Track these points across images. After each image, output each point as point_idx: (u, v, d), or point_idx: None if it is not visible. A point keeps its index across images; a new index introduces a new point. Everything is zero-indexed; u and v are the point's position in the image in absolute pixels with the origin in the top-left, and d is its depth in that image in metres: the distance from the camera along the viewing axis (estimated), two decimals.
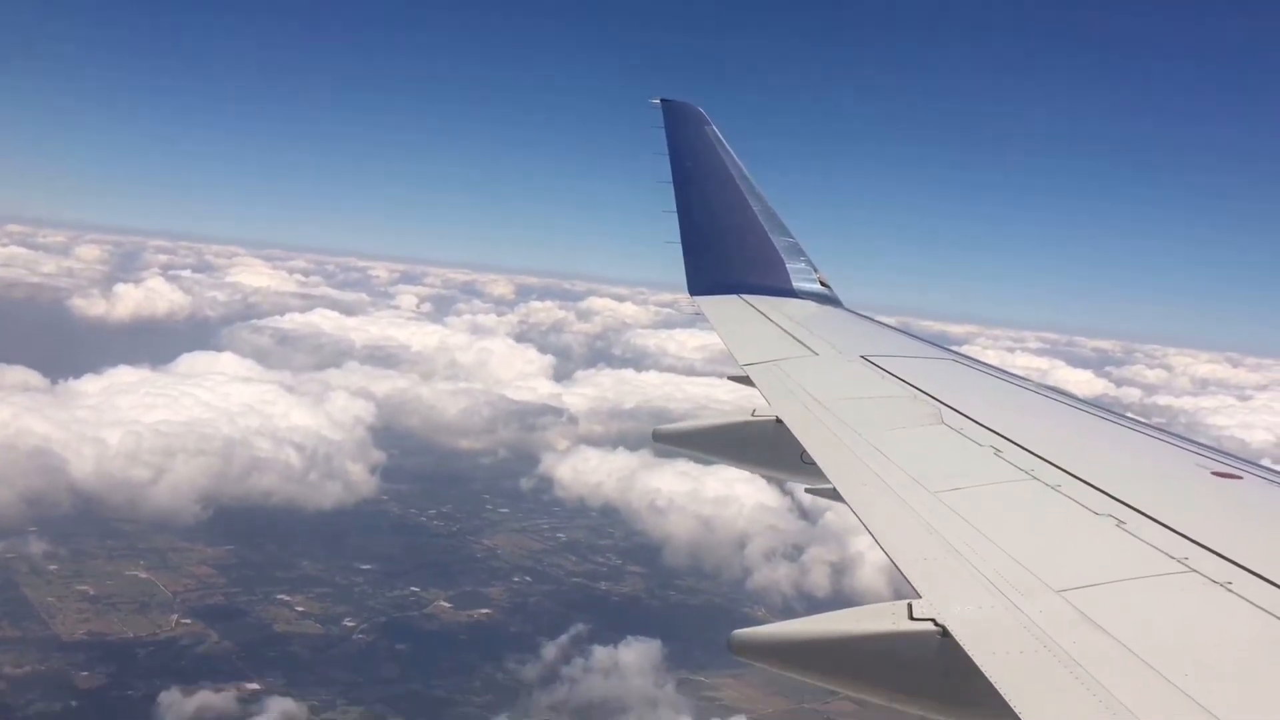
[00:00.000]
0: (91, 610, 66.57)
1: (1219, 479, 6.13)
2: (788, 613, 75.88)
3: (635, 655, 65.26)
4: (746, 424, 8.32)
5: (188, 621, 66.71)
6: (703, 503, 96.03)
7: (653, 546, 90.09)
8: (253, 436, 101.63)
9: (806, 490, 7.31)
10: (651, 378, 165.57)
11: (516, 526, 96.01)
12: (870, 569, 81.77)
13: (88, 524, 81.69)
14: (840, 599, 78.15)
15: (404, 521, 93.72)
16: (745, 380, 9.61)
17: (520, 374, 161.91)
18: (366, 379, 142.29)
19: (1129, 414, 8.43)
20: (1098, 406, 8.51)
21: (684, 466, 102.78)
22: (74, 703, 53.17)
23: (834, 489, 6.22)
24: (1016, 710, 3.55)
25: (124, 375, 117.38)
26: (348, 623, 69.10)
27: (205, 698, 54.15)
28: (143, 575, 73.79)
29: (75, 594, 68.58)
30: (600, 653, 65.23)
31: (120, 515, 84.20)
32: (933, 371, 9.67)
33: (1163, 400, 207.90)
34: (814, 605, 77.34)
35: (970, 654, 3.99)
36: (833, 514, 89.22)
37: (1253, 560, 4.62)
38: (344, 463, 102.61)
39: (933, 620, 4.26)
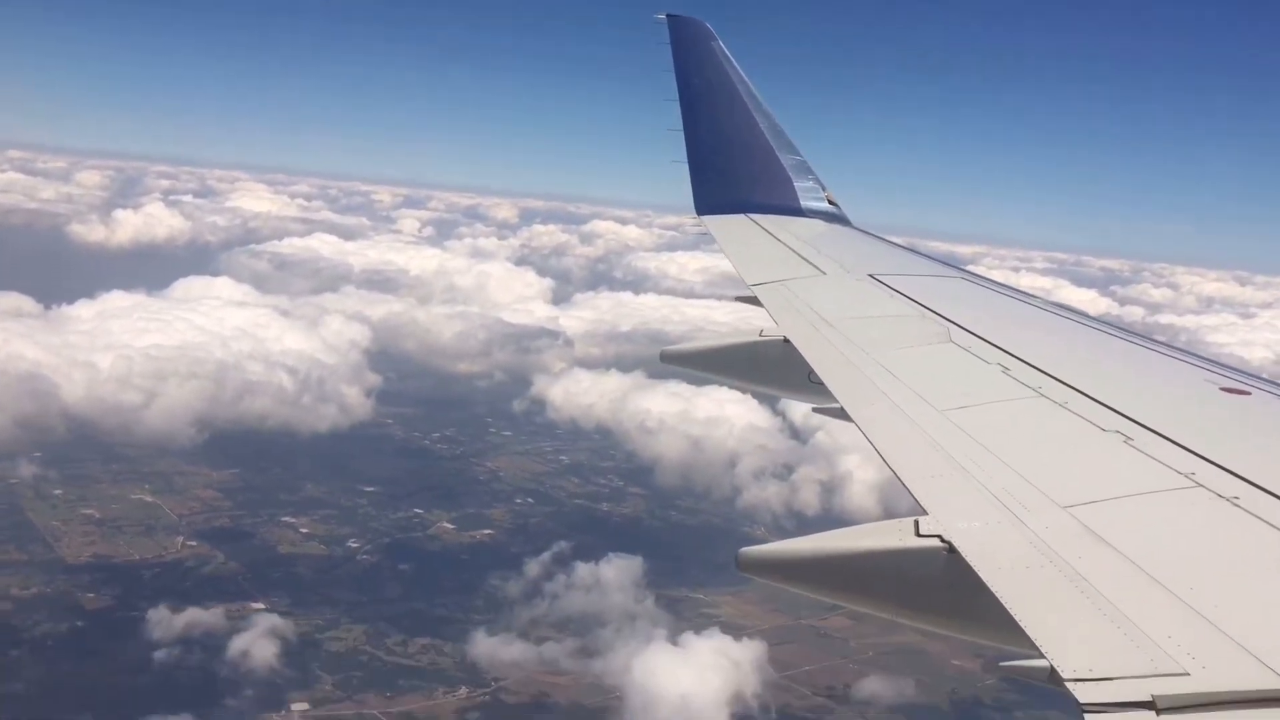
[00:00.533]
0: (97, 533, 67.27)
1: (1227, 395, 6.11)
2: (782, 532, 76.69)
3: (616, 572, 65.92)
4: (754, 344, 8.34)
5: (193, 544, 67.44)
6: (693, 423, 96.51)
7: (644, 467, 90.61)
8: (245, 360, 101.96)
9: (814, 410, 7.21)
10: (649, 300, 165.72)
11: (519, 449, 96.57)
12: (860, 487, 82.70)
13: (91, 449, 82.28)
14: (830, 517, 79.19)
15: (407, 445, 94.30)
16: (753, 300, 9.55)
17: (518, 297, 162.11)
18: (362, 303, 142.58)
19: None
20: (1107, 323, 8.44)
21: (676, 388, 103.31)
22: (80, 623, 53.97)
23: (841, 408, 6.24)
24: (1022, 624, 3.58)
25: (117, 300, 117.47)
26: (352, 544, 69.83)
27: (194, 615, 54.85)
28: (148, 499, 74.44)
29: (80, 518, 69.27)
30: (583, 569, 65.94)
31: (116, 439, 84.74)
32: (941, 290, 9.64)
33: (1165, 319, 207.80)
34: (804, 523, 78.28)
35: (976, 569, 4.01)
36: (823, 434, 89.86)
37: (1260, 475, 4.60)
38: (338, 386, 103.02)
39: (939, 537, 4.28)
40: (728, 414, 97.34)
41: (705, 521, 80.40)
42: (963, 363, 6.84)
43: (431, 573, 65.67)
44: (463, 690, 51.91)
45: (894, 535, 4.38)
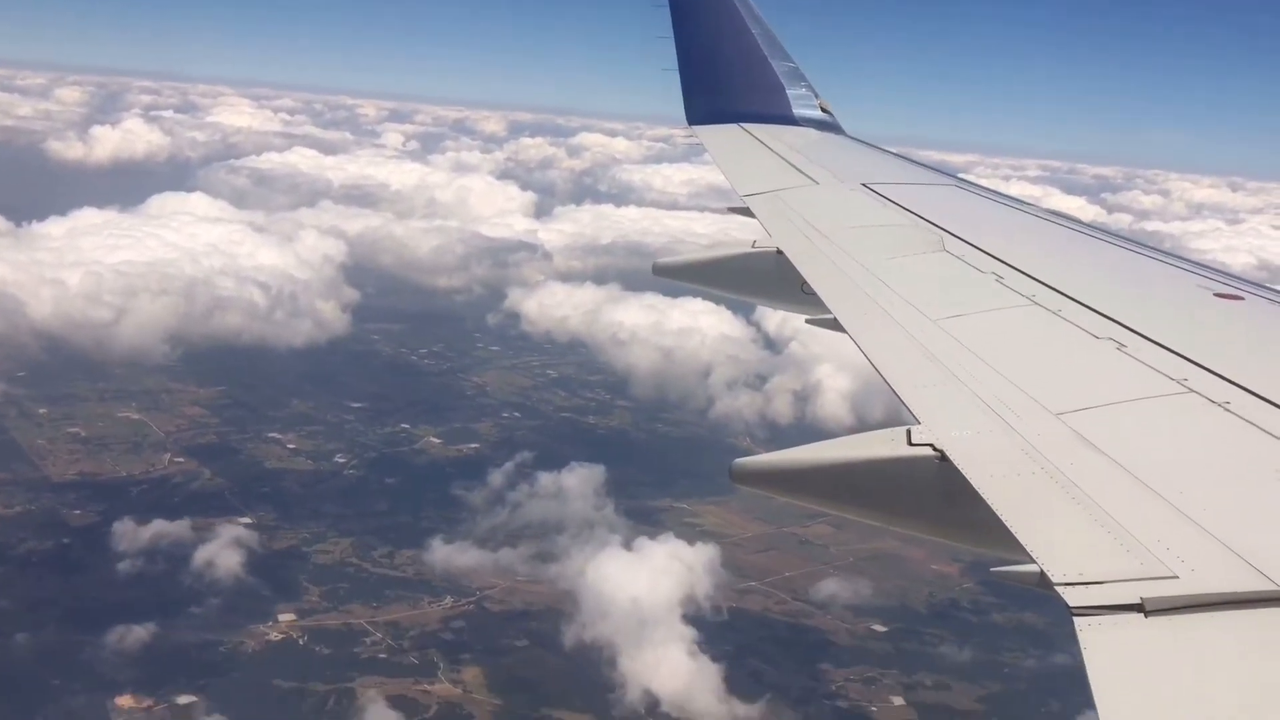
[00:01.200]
0: (83, 451, 67.54)
1: (1221, 300, 6.15)
2: (767, 443, 77.20)
3: (579, 481, 66.47)
4: (747, 255, 8.33)
5: (180, 460, 67.80)
6: (666, 334, 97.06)
7: (630, 380, 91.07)
8: (216, 276, 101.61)
9: (807, 321, 7.26)
10: (630, 213, 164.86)
11: (506, 364, 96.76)
12: (833, 396, 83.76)
13: (77, 368, 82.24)
14: (803, 426, 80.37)
15: (395, 361, 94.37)
16: (745, 212, 9.56)
17: (499, 211, 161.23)
18: (339, 218, 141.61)
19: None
20: (1102, 230, 8.47)
21: (650, 300, 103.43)
22: (66, 540, 54.47)
23: (834, 319, 6.27)
24: (1012, 530, 3.62)
25: (89, 217, 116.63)
26: (339, 459, 70.25)
27: (179, 528, 55.38)
28: (134, 417, 74.62)
29: (66, 436, 69.49)
30: (547, 479, 66.42)
31: (102, 360, 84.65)
32: (935, 198, 9.62)
33: (1151, 226, 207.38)
34: (777, 433, 79.60)
35: (968, 477, 4.05)
36: (797, 344, 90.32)
37: (1252, 380, 4.63)
38: (313, 301, 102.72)
39: (931, 445, 4.31)
40: (700, 325, 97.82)
41: (691, 433, 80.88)
42: (956, 271, 6.88)
43: (418, 486, 66.18)
44: (448, 600, 52.69)
45: (886, 444, 4.42)
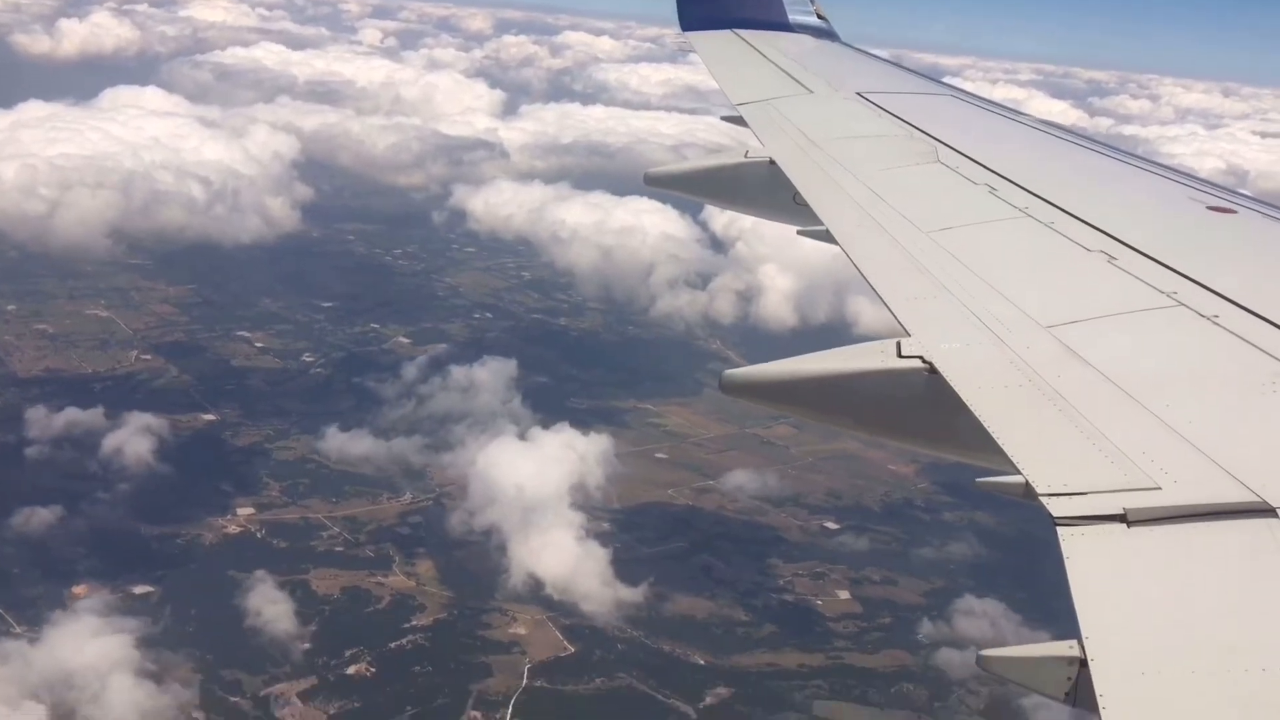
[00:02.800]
0: (50, 348, 67.59)
1: (1214, 214, 6.18)
2: (731, 345, 77.48)
3: (490, 374, 67.16)
4: (738, 165, 8.27)
5: (147, 357, 67.91)
6: (609, 233, 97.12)
7: (602, 282, 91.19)
8: (156, 170, 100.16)
9: (799, 232, 7.19)
10: (596, 112, 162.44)
11: (481, 265, 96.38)
12: (777, 296, 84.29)
13: (46, 266, 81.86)
14: (745, 326, 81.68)
15: (368, 261, 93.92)
16: (738, 120, 9.53)
17: (463, 110, 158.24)
18: (296, 114, 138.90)
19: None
20: (1099, 142, 8.41)
21: (597, 199, 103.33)
22: (28, 434, 54.75)
23: (826, 230, 6.26)
24: (999, 441, 3.67)
25: (34, 110, 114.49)
26: (306, 357, 70.41)
27: (147, 420, 55.73)
28: (103, 314, 74.49)
29: (34, 333, 69.48)
30: (457, 371, 67.13)
31: (26, 250, 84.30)
32: (930, 108, 9.61)
33: (1130, 130, 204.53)
34: (719, 330, 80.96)
35: (956, 389, 4.09)
36: (743, 244, 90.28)
37: (1240, 294, 4.67)
38: (260, 198, 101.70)
39: (920, 358, 4.34)
40: (644, 224, 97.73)
41: (662, 336, 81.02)
42: (950, 183, 6.89)
43: (384, 384, 66.41)
44: (407, 495, 53.37)
45: (876, 357, 4.45)
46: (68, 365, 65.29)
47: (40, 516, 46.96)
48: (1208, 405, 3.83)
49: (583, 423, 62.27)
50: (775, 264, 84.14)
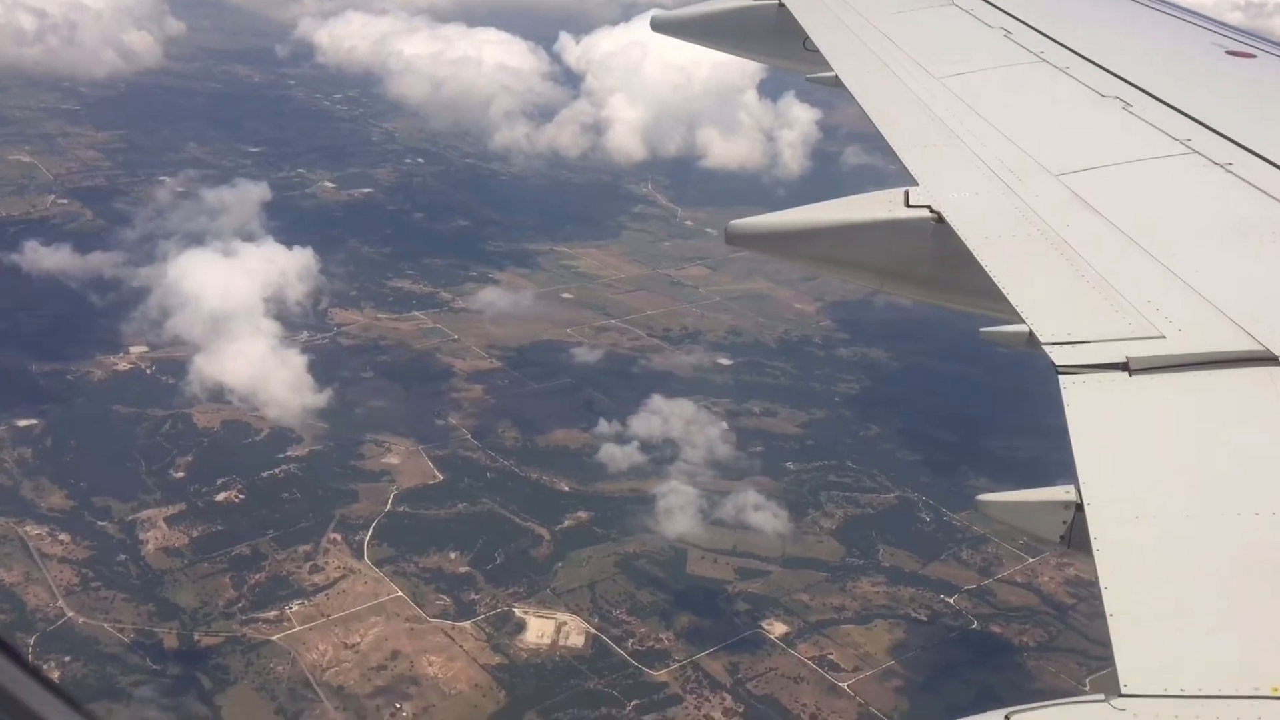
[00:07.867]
0: None
1: (1233, 58, 5.99)
2: (661, 188, 76.64)
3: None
4: (748, 9, 8.08)
5: (64, 202, 67.61)
6: (448, 64, 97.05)
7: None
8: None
9: (808, 79, 7.02)
10: None
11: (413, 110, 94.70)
12: (624, 128, 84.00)
13: None
14: (592, 156, 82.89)
15: (307, 106, 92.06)
16: None
17: None
18: None
19: None
20: None
21: (447, 31, 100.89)
22: None
23: (836, 77, 6.15)
24: (1003, 290, 3.68)
25: None
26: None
27: (62, 259, 56.36)
28: (26, 159, 73.64)
29: None
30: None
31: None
32: None
33: None
34: (558, 162, 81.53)
35: (962, 238, 4.08)
36: (592, 77, 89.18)
37: (1255, 141, 4.56)
38: (111, 32, 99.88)
39: (928, 207, 4.34)
40: (484, 55, 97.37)
41: (593, 180, 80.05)
42: (965, 26, 6.66)
43: (301, 231, 65.56)
44: (304, 334, 53.99)
45: (884, 206, 4.43)
46: None
47: None
48: (1217, 254, 3.83)
49: (496, 265, 62.54)
50: (625, 94, 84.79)
